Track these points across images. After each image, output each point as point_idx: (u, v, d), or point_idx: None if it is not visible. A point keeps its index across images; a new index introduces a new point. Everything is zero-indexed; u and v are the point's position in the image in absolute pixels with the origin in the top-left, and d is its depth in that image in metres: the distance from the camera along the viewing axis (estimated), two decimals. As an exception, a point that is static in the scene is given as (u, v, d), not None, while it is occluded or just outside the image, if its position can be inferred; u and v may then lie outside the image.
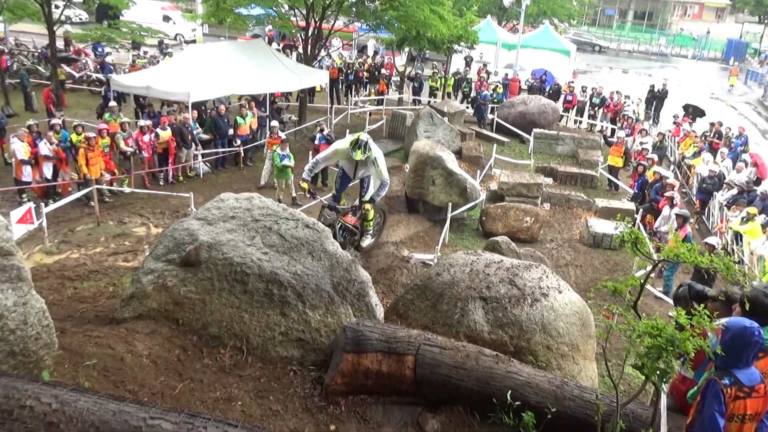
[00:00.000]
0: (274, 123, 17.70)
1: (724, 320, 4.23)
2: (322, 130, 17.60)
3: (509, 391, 5.14)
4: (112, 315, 6.03)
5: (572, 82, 28.72)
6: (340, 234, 8.37)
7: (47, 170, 14.17)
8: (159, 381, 4.96)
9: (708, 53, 54.32)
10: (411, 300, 6.86)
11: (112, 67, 24.27)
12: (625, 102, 25.83)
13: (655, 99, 28.26)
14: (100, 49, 26.17)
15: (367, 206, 8.42)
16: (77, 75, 24.41)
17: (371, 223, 8.70)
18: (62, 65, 22.15)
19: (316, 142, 17.23)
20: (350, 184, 8.88)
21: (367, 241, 8.89)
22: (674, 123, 24.62)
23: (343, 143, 8.28)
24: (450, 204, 15.26)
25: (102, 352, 5.01)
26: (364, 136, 8.04)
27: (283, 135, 16.75)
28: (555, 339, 6.38)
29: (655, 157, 18.57)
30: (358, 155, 7.80)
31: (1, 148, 16.32)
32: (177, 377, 5.09)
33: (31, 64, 25.04)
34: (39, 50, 26.44)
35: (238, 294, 5.68)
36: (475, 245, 13.89)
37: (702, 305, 4.24)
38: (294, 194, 15.94)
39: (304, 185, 8.26)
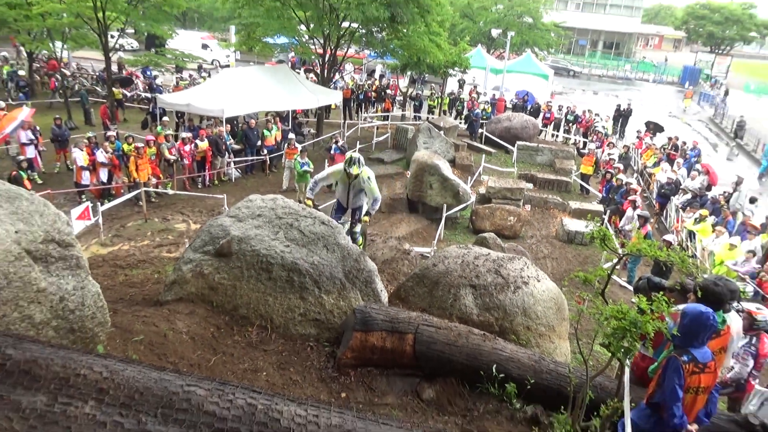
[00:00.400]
0: (291, 135, 17.66)
1: (682, 306, 4.22)
2: (336, 142, 17.62)
3: (494, 365, 5.13)
4: (157, 298, 6.04)
5: (550, 101, 28.63)
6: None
7: (103, 175, 14.26)
8: (196, 354, 4.96)
9: (666, 78, 54.00)
10: (411, 287, 6.84)
11: (160, 88, 24.33)
12: (595, 119, 25.77)
13: (621, 116, 28.26)
14: (148, 73, 26.27)
15: (365, 218, 7.94)
16: (129, 94, 24.43)
17: (361, 239, 8.12)
18: (118, 86, 22.21)
19: (332, 152, 17.26)
20: (342, 218, 8.27)
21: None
22: (637, 137, 24.52)
23: (338, 166, 7.97)
24: (445, 205, 15.27)
25: (148, 329, 5.02)
26: (356, 154, 7.72)
27: (299, 146, 16.76)
28: (534, 321, 6.36)
29: (621, 166, 18.54)
30: (354, 170, 7.46)
31: (64, 156, 16.37)
32: (211, 351, 5.09)
33: (90, 85, 25.12)
34: (97, 73, 26.53)
35: (263, 281, 5.68)
36: (466, 240, 13.85)
37: (661, 294, 4.23)
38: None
39: (308, 202, 7.76)
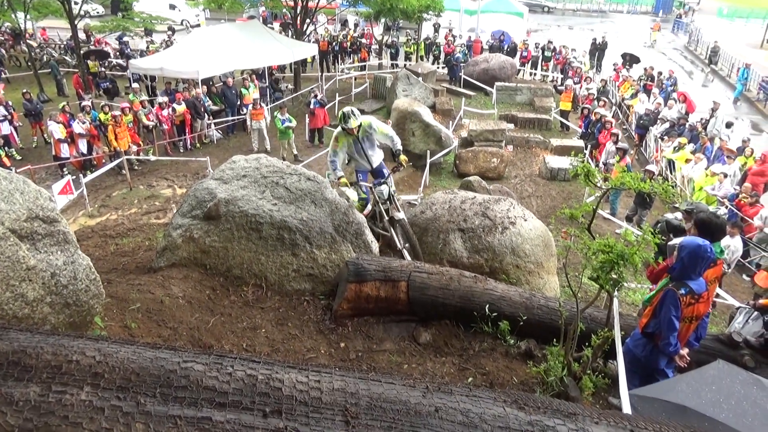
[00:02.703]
0: (256, 96, 17.14)
1: (678, 240, 4.25)
2: (315, 96, 17.24)
3: (488, 305, 5.18)
4: (150, 265, 5.98)
5: (526, 40, 28.08)
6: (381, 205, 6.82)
7: (83, 146, 13.89)
8: (194, 317, 4.95)
9: (640, 8, 52.99)
10: (401, 235, 6.82)
11: (132, 53, 23.40)
12: (572, 54, 25.41)
13: (597, 50, 27.82)
14: (124, 38, 25.10)
15: (402, 157, 6.89)
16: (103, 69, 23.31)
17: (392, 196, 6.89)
18: (94, 58, 21.23)
19: (312, 106, 16.90)
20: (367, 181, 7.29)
21: (400, 214, 6.75)
22: (614, 70, 24.27)
23: (336, 131, 6.99)
24: (428, 151, 15.22)
25: (144, 297, 4.98)
26: (347, 108, 6.86)
27: (265, 106, 16.34)
28: (523, 259, 6.41)
29: (605, 100, 18.45)
30: (352, 122, 6.60)
31: (40, 129, 15.89)
32: (209, 313, 5.08)
33: (59, 56, 24.14)
34: (64, 42, 25.46)
35: (254, 240, 5.63)
36: (451, 185, 13.83)
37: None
38: (295, 152, 15.70)
39: (343, 181, 6.72)
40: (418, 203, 9.51)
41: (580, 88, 20.70)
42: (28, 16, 21.47)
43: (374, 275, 5.33)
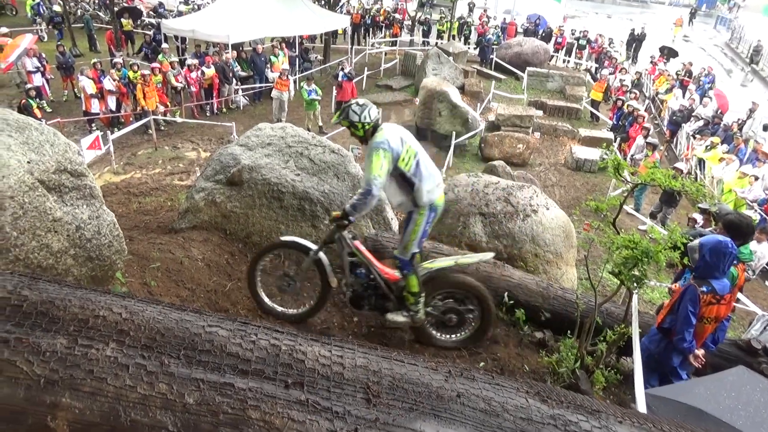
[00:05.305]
0: (285, 66, 16.96)
1: (697, 241, 4.16)
2: (343, 69, 17.09)
3: (504, 292, 5.15)
4: (171, 226, 6.03)
5: (562, 26, 27.43)
6: (359, 280, 4.52)
7: (111, 103, 14.00)
8: (212, 280, 5.00)
9: (683, 0, 51.41)
10: (421, 215, 6.78)
11: (165, 13, 23.35)
12: (610, 43, 24.78)
13: (635, 41, 27.07)
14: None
15: (336, 214, 4.23)
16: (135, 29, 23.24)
17: (415, 297, 4.31)
18: (127, 16, 21.18)
19: (339, 79, 16.78)
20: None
21: (398, 317, 4.40)
22: (651, 63, 23.63)
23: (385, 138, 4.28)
24: (454, 132, 15.07)
25: (164, 256, 5.04)
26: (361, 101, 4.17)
27: (291, 78, 16.16)
28: (542, 248, 6.34)
29: (637, 93, 18.04)
30: (343, 123, 4.10)
31: (71, 83, 16.01)
32: (227, 277, 5.13)
33: (93, 11, 24.20)
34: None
35: (275, 209, 5.64)
36: (475, 168, 13.70)
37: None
38: (320, 123, 15.65)
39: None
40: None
41: (614, 78, 20.25)
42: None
43: (391, 253, 5.31)
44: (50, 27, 20.91)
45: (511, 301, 5.09)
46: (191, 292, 4.74)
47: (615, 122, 16.85)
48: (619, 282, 4.32)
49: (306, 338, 1.95)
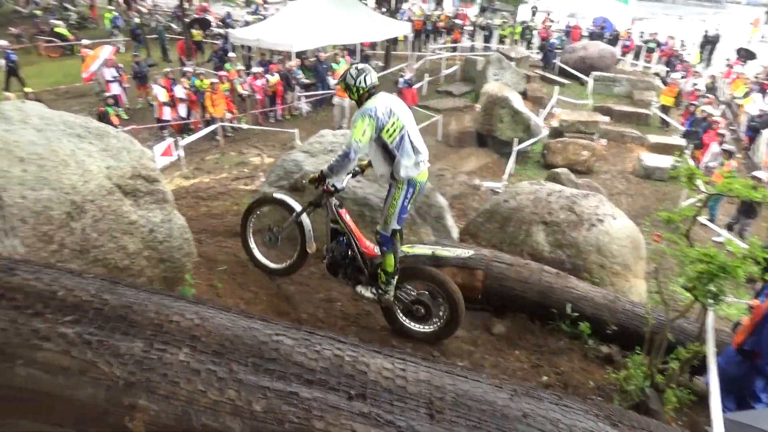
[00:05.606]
0: None
1: None
2: (403, 75, 17.15)
3: (568, 303, 4.99)
4: (236, 229, 6.19)
5: (630, 28, 26.46)
6: (338, 248, 4.60)
7: (182, 110, 14.62)
8: (275, 284, 5.11)
9: (762, -1, 48.52)
10: (481, 222, 6.70)
11: (234, 23, 24.19)
12: (682, 46, 23.70)
13: (708, 43, 25.79)
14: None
15: (312, 176, 4.37)
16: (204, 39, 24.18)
17: (388, 277, 4.31)
18: (197, 27, 22.15)
19: (399, 85, 16.84)
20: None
21: (367, 293, 4.52)
22: (727, 65, 22.41)
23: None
24: (516, 139, 14.83)
25: (230, 259, 5.20)
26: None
27: None
28: (608, 259, 6.11)
29: (711, 97, 17.14)
30: (339, 83, 4.29)
31: (145, 92, 16.85)
32: (288, 281, 5.22)
33: (166, 22, 25.42)
34: (172, 11, 26.75)
35: (336, 215, 5.69)
36: (537, 176, 13.41)
37: None
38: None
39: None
40: (502, 191, 9.30)
41: (686, 82, 19.32)
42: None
43: (451, 261, 5.27)
44: (132, 39, 22.13)
45: (575, 313, 4.93)
46: (254, 295, 4.86)
47: (687, 128, 16.07)
48: (692, 297, 4.10)
49: (368, 350, 1.95)
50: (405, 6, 24.24)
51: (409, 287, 4.47)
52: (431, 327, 4.54)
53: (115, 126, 11.02)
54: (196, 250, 4.72)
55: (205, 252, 5.20)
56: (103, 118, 11.88)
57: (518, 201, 6.70)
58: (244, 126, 15.32)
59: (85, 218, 3.50)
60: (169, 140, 12.60)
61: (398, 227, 4.23)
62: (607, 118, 17.55)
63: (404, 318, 4.59)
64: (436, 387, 1.82)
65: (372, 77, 4.06)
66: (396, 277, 4.33)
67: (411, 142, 4.02)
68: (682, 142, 15.47)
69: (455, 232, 6.21)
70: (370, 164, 4.36)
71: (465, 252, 4.42)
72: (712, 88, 18.87)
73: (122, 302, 1.88)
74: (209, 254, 5.19)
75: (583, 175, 13.22)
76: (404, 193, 4.11)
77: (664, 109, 18.46)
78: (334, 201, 4.41)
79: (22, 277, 2.02)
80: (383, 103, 3.97)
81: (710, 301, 3.92)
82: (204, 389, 1.66)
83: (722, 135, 12.92)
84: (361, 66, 4.15)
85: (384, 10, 23.53)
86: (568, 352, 4.84)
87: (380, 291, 4.37)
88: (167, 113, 14.25)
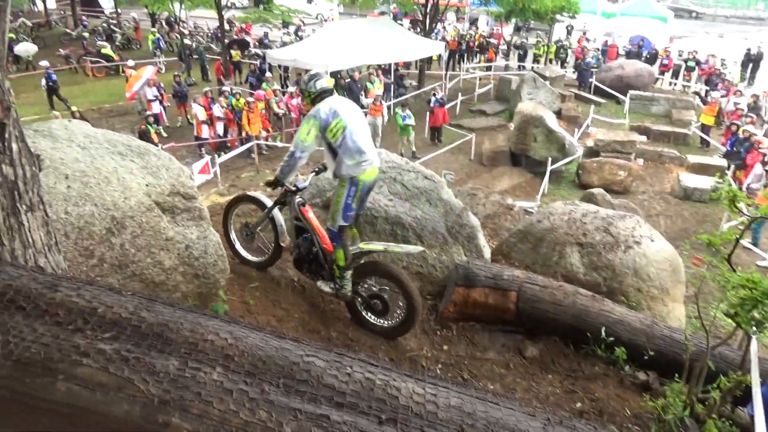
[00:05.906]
0: (379, 92, 17.26)
1: None
2: (435, 94, 17.23)
3: (603, 328, 4.87)
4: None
5: (668, 47, 26.01)
6: (303, 244, 4.85)
7: (219, 128, 15.00)
8: (306, 301, 5.14)
9: (807, 15, 47.05)
10: (514, 243, 6.63)
11: (271, 44, 24.76)
12: (723, 64, 23.16)
13: (751, 61, 25.07)
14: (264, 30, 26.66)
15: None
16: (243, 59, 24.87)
17: (341, 271, 4.52)
18: (236, 47, 22.77)
19: (432, 104, 16.91)
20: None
21: (326, 287, 4.71)
22: (771, 84, 21.79)
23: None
24: (550, 158, 14.70)
25: (262, 276, 5.25)
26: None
27: (384, 104, 16.50)
28: (646, 282, 5.95)
29: (754, 116, 16.66)
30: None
31: (184, 110, 17.34)
32: (320, 299, 5.24)
33: (206, 43, 26.20)
34: (212, 32, 27.57)
35: (368, 233, 5.71)
36: (572, 196, 13.21)
37: None
38: (413, 149, 15.81)
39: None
40: (535, 211, 9.18)
41: (728, 101, 18.84)
42: (182, 6, 23.54)
43: (484, 281, 5.23)
44: (179, 59, 22.93)
45: (611, 338, 4.80)
46: (286, 312, 4.89)
47: (728, 148, 15.64)
48: (735, 324, 3.95)
49: (399, 373, 1.94)
50: (440, 26, 24.38)
51: (370, 282, 4.67)
52: (390, 322, 4.73)
53: (156, 143, 11.38)
54: (229, 266, 4.80)
55: (238, 269, 5.27)
56: (144, 136, 12.27)
57: (552, 221, 6.60)
58: (279, 144, 15.58)
59: (124, 234, 3.60)
60: (207, 158, 12.92)
61: (345, 224, 4.41)
62: (644, 138, 17.25)
63: (365, 312, 4.79)
64: (468, 414, 1.79)
65: (322, 82, 4.33)
66: (349, 271, 4.51)
67: (355, 142, 4.20)
68: (723, 162, 15.06)
69: (487, 252, 6.15)
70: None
71: (415, 249, 4.72)
72: (754, 108, 18.32)
73: (159, 320, 1.92)
74: (242, 271, 5.25)
75: (619, 196, 12.97)
76: (347, 190, 4.31)
77: (704, 128, 18.03)
78: (297, 199, 4.72)
79: (64, 293, 2.09)
80: (328, 104, 4.22)
81: (754, 328, 3.78)
82: (236, 409, 1.68)
83: (766, 155, 12.52)
84: (314, 72, 4.51)
85: (418, 30, 23.75)
86: (604, 377, 4.71)
87: (337, 285, 4.58)
88: (206, 131, 14.63)
